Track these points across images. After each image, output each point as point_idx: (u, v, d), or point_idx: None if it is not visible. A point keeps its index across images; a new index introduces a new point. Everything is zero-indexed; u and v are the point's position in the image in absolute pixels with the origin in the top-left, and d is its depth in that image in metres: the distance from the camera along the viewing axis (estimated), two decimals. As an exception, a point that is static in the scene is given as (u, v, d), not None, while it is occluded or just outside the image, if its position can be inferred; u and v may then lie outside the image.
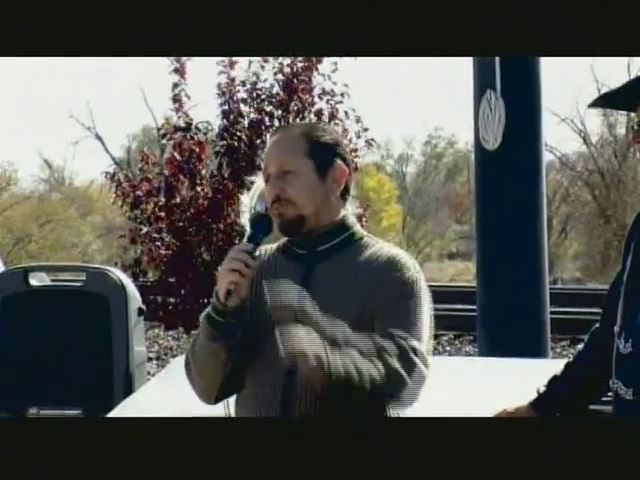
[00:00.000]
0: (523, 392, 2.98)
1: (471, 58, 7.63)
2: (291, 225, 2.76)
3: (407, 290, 2.72)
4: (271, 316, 2.70)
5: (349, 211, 2.85)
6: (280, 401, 2.69)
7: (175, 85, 10.99)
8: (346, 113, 11.04)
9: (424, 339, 2.73)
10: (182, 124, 10.98)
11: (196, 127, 10.99)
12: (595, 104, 2.81)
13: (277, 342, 2.62)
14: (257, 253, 2.77)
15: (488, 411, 2.94)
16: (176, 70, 10.93)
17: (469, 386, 4.23)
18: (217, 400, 2.83)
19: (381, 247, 2.78)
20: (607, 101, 2.84)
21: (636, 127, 2.63)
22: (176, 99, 11.00)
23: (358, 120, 11.09)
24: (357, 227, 2.83)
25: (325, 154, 2.79)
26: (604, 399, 2.87)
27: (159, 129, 12.99)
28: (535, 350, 7.26)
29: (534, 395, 2.95)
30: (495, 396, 3.49)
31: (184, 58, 10.89)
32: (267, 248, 2.86)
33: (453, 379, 4.27)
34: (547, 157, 24.64)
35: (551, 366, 3.05)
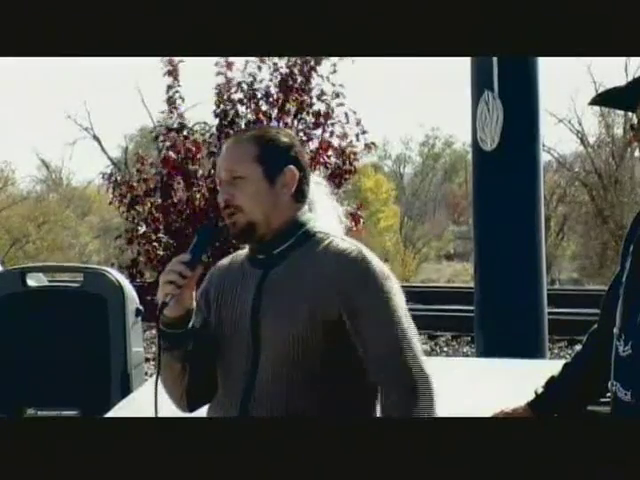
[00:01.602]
0: (521, 393, 2.97)
1: (469, 59, 7.63)
2: (242, 232, 2.76)
3: (362, 285, 2.69)
4: (234, 322, 2.75)
5: (305, 211, 2.83)
6: (240, 406, 2.71)
7: (169, 87, 11.00)
8: (346, 115, 11.05)
9: (406, 329, 2.70)
10: (176, 125, 10.98)
11: (192, 128, 10.99)
12: (595, 102, 2.80)
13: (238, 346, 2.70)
14: (223, 264, 2.86)
15: (486, 412, 2.93)
16: (169, 72, 10.93)
17: (466, 387, 4.23)
18: (192, 408, 2.84)
19: (331, 241, 2.76)
20: (607, 100, 2.83)
21: (636, 125, 2.62)
22: (170, 101, 11.00)
23: (358, 123, 11.10)
24: (311, 224, 2.80)
25: (275, 158, 2.78)
26: (601, 400, 2.86)
27: (151, 132, 12.99)
28: (533, 351, 7.25)
29: (532, 396, 2.95)
30: (493, 397, 3.49)
31: (177, 60, 10.89)
32: (239, 254, 2.89)
33: (451, 380, 4.27)
34: (545, 158, 24.62)
35: (549, 367, 3.04)
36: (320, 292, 2.68)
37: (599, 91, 2.82)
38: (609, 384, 2.68)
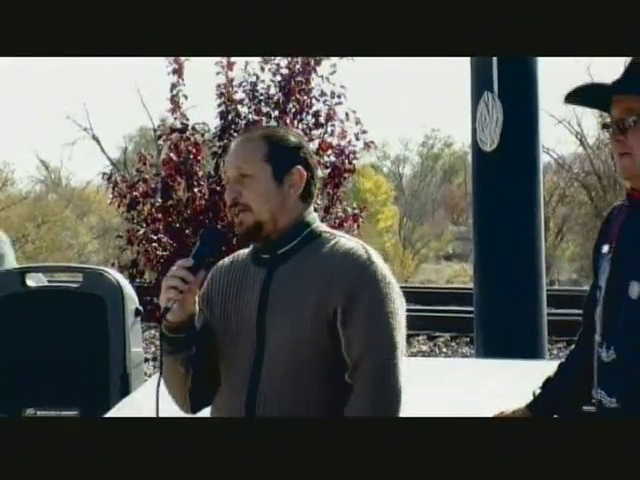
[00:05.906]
0: (520, 394, 2.98)
1: (469, 59, 7.63)
2: (249, 232, 2.76)
3: (364, 286, 2.68)
4: (238, 320, 2.75)
5: (310, 211, 2.84)
6: (245, 405, 2.71)
7: (173, 86, 10.98)
8: (347, 115, 11.05)
9: (396, 336, 2.69)
10: (178, 125, 10.98)
11: (193, 128, 10.98)
12: (570, 101, 2.70)
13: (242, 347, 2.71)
14: (224, 263, 2.86)
15: (485, 412, 2.93)
16: (174, 71, 10.92)
17: (466, 387, 4.23)
18: (195, 409, 2.85)
19: (337, 241, 2.76)
20: (582, 98, 2.73)
21: (614, 126, 2.57)
22: (174, 100, 10.99)
23: (358, 122, 11.09)
24: (316, 224, 2.81)
25: (284, 158, 2.78)
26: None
27: (155, 130, 12.99)
28: (532, 352, 7.26)
29: (530, 397, 2.94)
30: (492, 398, 3.50)
31: (182, 58, 10.88)
32: (241, 253, 2.89)
33: (450, 380, 4.27)
34: (544, 159, 24.62)
35: (548, 368, 3.04)
36: (325, 291, 2.68)
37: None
38: (593, 392, 2.64)
